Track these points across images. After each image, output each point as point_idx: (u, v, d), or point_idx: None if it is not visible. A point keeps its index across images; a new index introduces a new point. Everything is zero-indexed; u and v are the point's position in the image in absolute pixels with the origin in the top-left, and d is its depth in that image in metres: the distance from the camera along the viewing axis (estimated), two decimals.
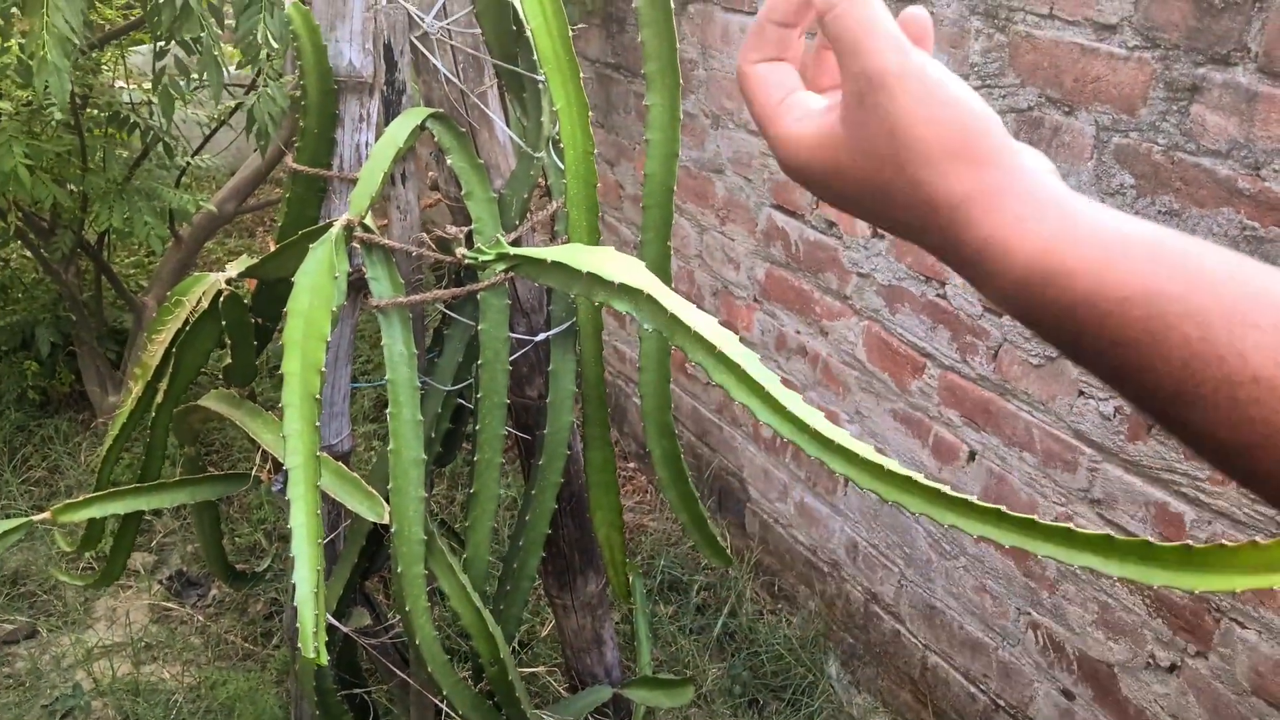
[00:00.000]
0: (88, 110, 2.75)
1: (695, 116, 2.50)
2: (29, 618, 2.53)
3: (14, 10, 1.66)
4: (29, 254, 3.10)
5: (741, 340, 2.32)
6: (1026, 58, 1.67)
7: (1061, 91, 1.63)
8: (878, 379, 2.15)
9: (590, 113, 1.29)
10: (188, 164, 2.84)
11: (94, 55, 2.63)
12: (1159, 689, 1.70)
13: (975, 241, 0.44)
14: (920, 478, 0.97)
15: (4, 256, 3.20)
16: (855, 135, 0.46)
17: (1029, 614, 1.90)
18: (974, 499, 0.92)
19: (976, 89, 1.73)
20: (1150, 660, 1.70)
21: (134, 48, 2.88)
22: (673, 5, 1.25)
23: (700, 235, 2.62)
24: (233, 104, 2.75)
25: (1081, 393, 1.71)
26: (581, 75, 1.26)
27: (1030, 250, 0.43)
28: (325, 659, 1.19)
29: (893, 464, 0.98)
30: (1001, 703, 2.01)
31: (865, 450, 1.01)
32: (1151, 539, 0.82)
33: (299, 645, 1.20)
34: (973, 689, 2.08)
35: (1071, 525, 0.86)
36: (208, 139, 3.04)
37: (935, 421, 2.03)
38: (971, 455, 1.96)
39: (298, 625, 1.23)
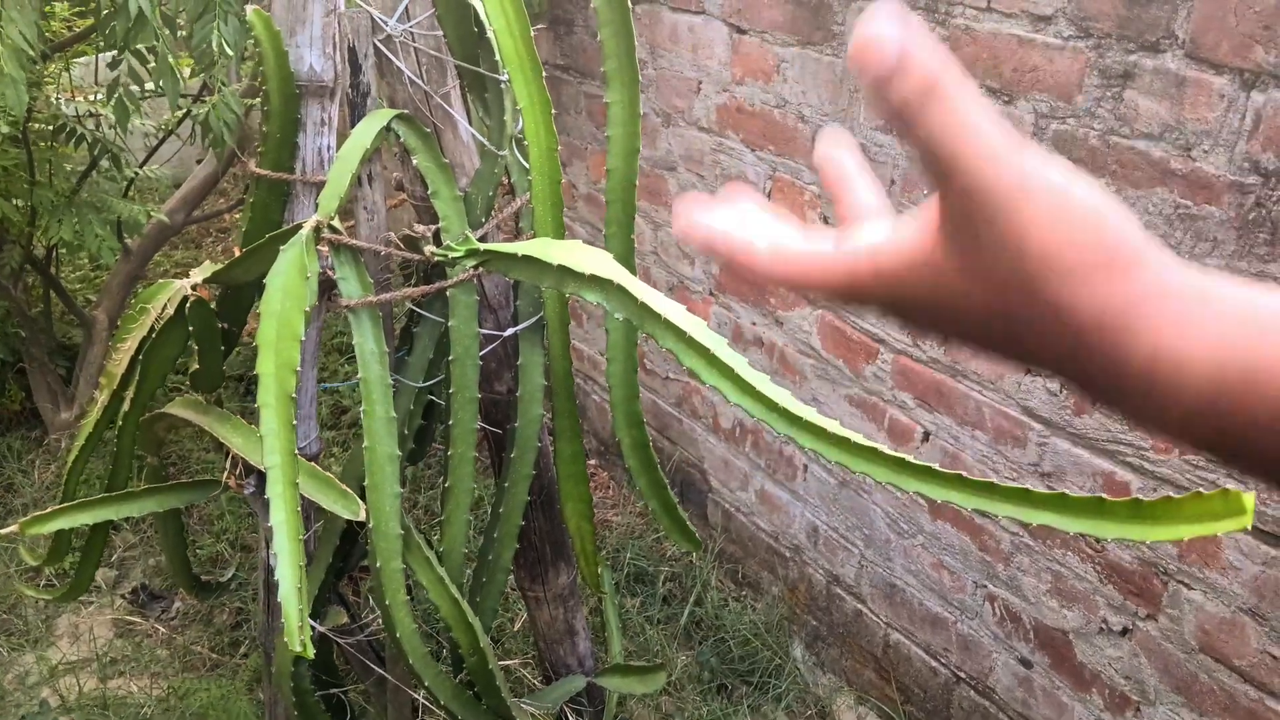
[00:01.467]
0: (31, 123, 2.72)
1: (646, 115, 2.54)
2: None
3: None
4: None
5: None
6: (966, 50, 1.74)
7: (1001, 82, 1.70)
8: (832, 365, 2.21)
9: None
10: (135, 175, 2.82)
11: (38, 68, 2.60)
12: (1112, 652, 1.77)
13: (1141, 357, 0.37)
14: (885, 448, 1.02)
15: None
16: (966, 262, 0.38)
17: (985, 587, 1.97)
18: (936, 466, 0.98)
19: None
20: (1103, 625, 1.77)
21: (75, 59, 2.85)
22: (630, 6, 1.29)
23: (655, 232, 2.66)
24: (180, 114, 2.73)
25: (1028, 370, 1.78)
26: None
27: (1210, 352, 0.36)
28: (312, 652, 1.21)
29: (858, 437, 1.03)
30: (963, 674, 2.08)
31: (832, 425, 1.06)
32: (1104, 496, 0.88)
33: (284, 640, 1.22)
34: (934, 663, 2.14)
35: (1029, 487, 0.92)
36: (155, 149, 3.01)
37: (890, 405, 2.09)
38: (926, 436, 2.02)
39: (283, 622, 1.25)
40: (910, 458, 1.00)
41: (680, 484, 2.81)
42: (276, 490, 1.26)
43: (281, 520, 1.26)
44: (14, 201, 2.58)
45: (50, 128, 2.66)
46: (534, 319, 1.52)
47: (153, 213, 2.61)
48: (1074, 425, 1.73)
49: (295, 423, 1.69)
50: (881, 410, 2.11)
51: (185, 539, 2.04)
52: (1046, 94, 1.63)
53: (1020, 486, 0.93)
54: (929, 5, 1.77)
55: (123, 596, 2.67)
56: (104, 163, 2.73)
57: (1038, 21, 1.62)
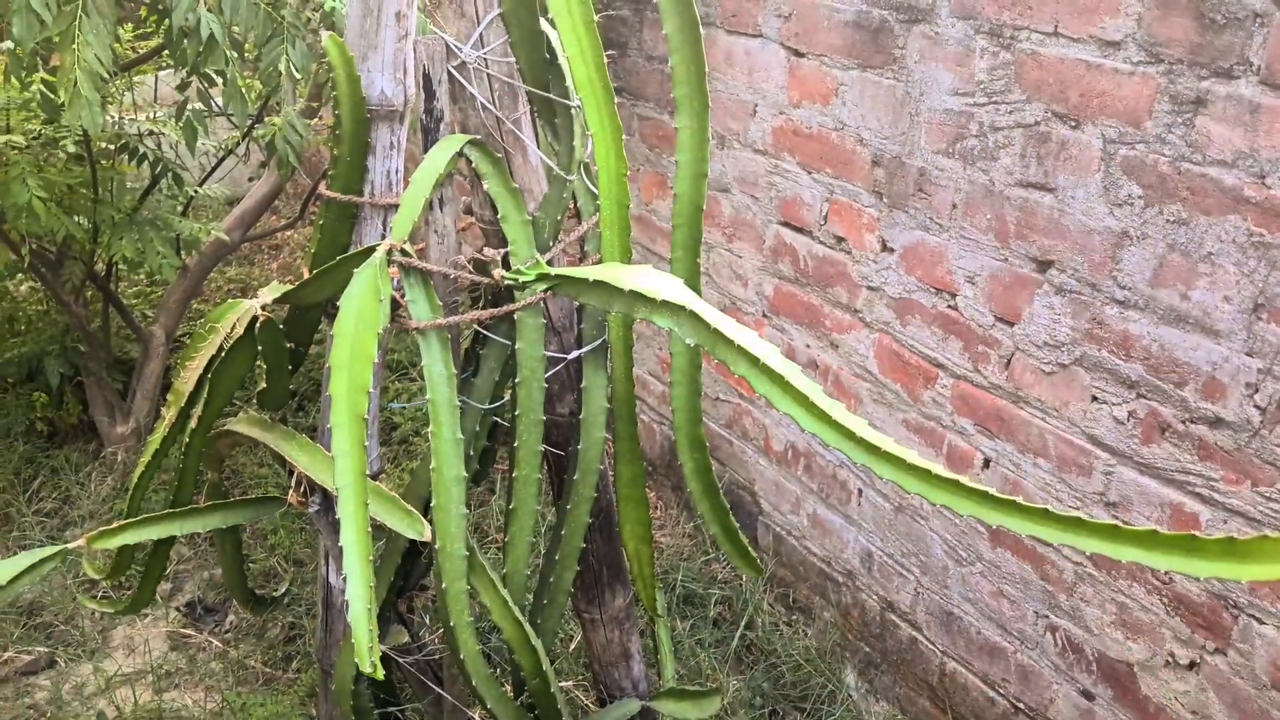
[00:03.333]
0: (95, 142, 2.78)
1: None
2: (47, 648, 2.53)
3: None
4: (35, 285, 3.12)
5: None
6: (1032, 75, 1.72)
7: (1067, 106, 1.68)
8: (889, 390, 2.19)
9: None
10: (195, 193, 2.87)
11: (106, 87, 2.66)
12: (1179, 686, 1.74)
13: None
14: (968, 481, 1.01)
15: (10, 288, 3.20)
16: None
17: (1047, 617, 1.94)
18: (992, 490, 0.97)
19: (983, 105, 1.79)
20: (1169, 659, 1.74)
21: (136, 77, 2.91)
22: (702, 34, 1.29)
23: (707, 253, 2.66)
24: (239, 134, 2.78)
25: (1095, 398, 1.76)
26: None
27: None
28: (381, 674, 1.21)
29: (939, 468, 1.02)
30: (1021, 706, 2.05)
31: (910, 455, 1.05)
32: (1196, 533, 0.86)
33: (346, 657, 1.22)
34: (992, 693, 2.11)
35: (1119, 522, 0.91)
36: (214, 168, 3.07)
37: (949, 430, 2.07)
38: (986, 463, 2.00)
39: (348, 640, 1.26)
40: (994, 491, 0.98)
41: (730, 506, 2.79)
42: (348, 511, 1.27)
43: (353, 541, 1.27)
44: (77, 218, 2.63)
45: (113, 146, 2.71)
46: (598, 342, 1.52)
47: (213, 230, 2.65)
48: (1141, 454, 1.70)
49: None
50: (940, 436, 2.09)
51: (242, 554, 2.06)
52: (1115, 119, 1.62)
53: (1075, 515, 0.92)
54: (994, 30, 1.77)
55: (178, 609, 2.70)
56: (164, 181, 2.78)
57: (1106, 46, 1.60)
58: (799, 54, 2.19)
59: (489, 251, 1.41)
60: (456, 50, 1.33)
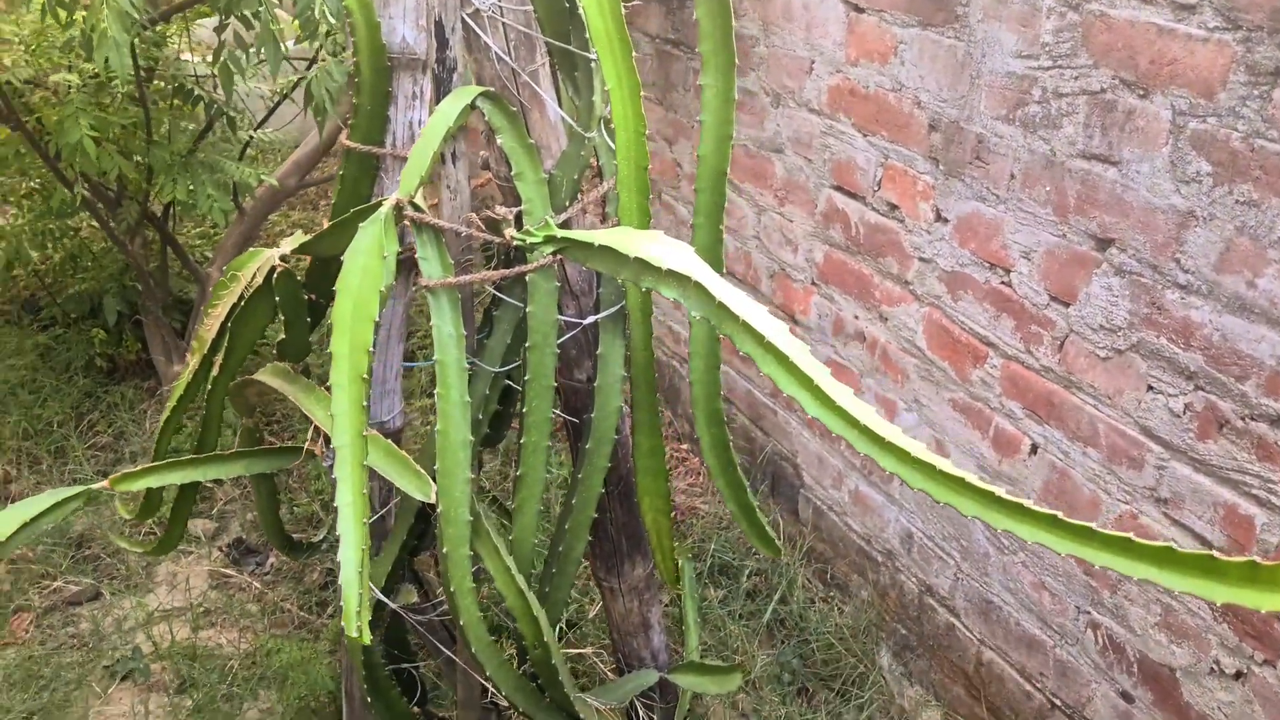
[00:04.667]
0: (153, 83, 2.79)
1: (755, 95, 2.45)
2: (93, 580, 2.59)
3: None
4: (97, 224, 3.16)
5: (798, 324, 2.29)
6: (1100, 38, 1.60)
7: (1136, 74, 1.56)
8: (937, 367, 2.10)
9: (644, 92, 1.27)
10: (251, 138, 2.86)
11: (159, 29, 2.66)
12: (1223, 696, 1.64)
13: None
14: (973, 479, 0.93)
15: (74, 226, 3.26)
16: None
17: (1089, 613, 1.85)
18: (1029, 503, 0.89)
19: (1047, 69, 1.67)
20: (1215, 666, 1.64)
21: (200, 20, 2.91)
22: None
23: (758, 216, 2.58)
24: (294, 79, 2.76)
25: (1151, 388, 1.65)
26: (638, 53, 1.24)
27: None
28: (369, 639, 1.19)
29: (946, 464, 0.95)
30: (1058, 702, 1.96)
31: (918, 449, 0.98)
32: (1216, 553, 0.78)
33: (342, 623, 1.20)
34: (1028, 686, 2.03)
35: (1131, 535, 0.83)
36: (270, 113, 3.06)
37: (996, 413, 1.97)
38: (1033, 448, 1.90)
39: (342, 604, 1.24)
40: (1001, 491, 0.91)
41: (772, 477, 2.74)
42: (344, 472, 1.25)
43: (347, 502, 1.24)
44: (133, 159, 2.65)
45: (170, 88, 2.72)
46: (615, 308, 1.46)
47: (263, 176, 2.65)
48: (1196, 450, 1.59)
49: (373, 400, 1.68)
50: (987, 418, 2.00)
51: (277, 499, 2.07)
52: (1186, 89, 1.49)
53: (1122, 535, 0.84)
54: None
55: (220, 549, 2.74)
56: (222, 123, 2.79)
57: (1180, 10, 1.47)
58: (858, 9, 2.08)
59: (501, 209, 1.36)
60: None
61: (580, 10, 1.24)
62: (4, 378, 3.17)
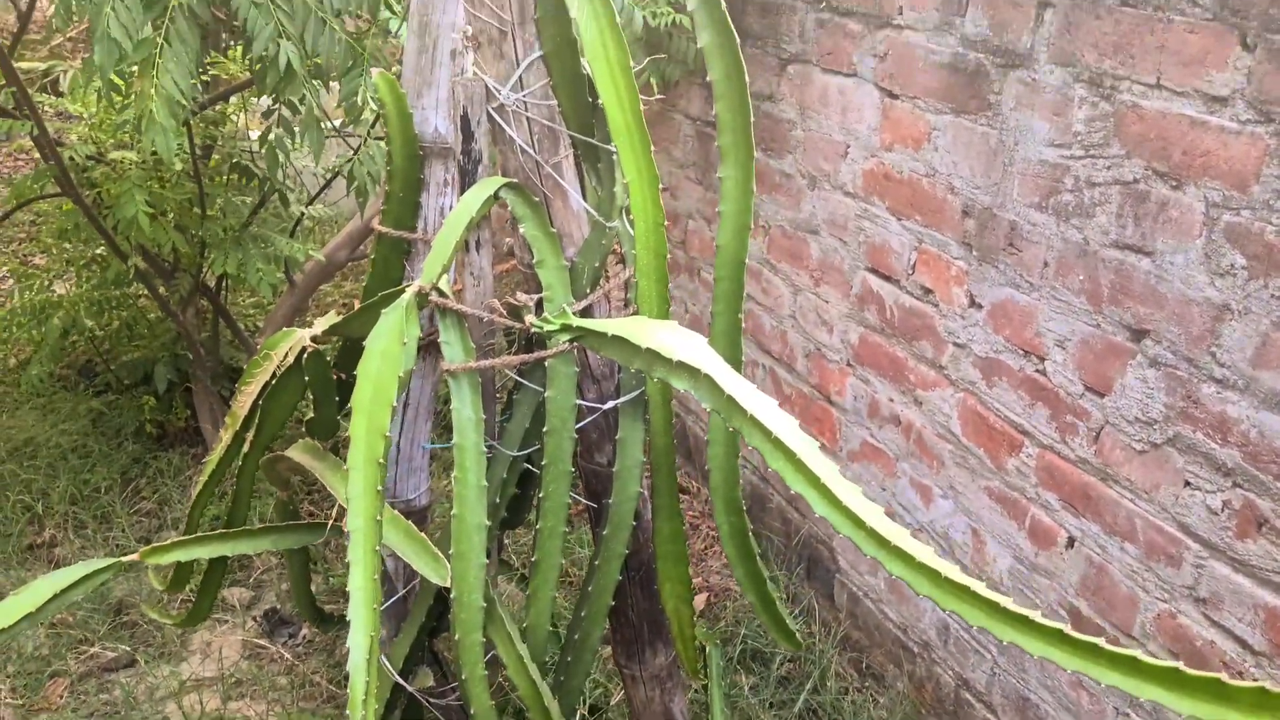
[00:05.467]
0: (211, 159, 2.89)
1: (792, 177, 2.46)
2: (130, 647, 2.62)
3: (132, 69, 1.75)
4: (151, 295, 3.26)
5: (833, 405, 2.27)
6: (1133, 128, 1.59)
7: (1169, 164, 1.54)
8: (973, 454, 2.06)
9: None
10: (302, 213, 2.95)
11: (218, 108, 2.77)
12: None
13: None
14: (980, 587, 0.91)
15: (131, 294, 3.36)
16: None
17: (1127, 715, 1.77)
18: (1035, 616, 0.86)
19: (1080, 158, 1.66)
20: None
21: (257, 98, 3.02)
22: (747, 81, 1.23)
23: (794, 295, 2.58)
24: (346, 157, 2.85)
25: (1188, 483, 1.60)
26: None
27: None
28: None
29: (951, 570, 0.93)
30: None
31: (924, 553, 0.96)
32: (1225, 677, 0.75)
33: (348, 711, 1.20)
34: None
35: (1139, 655, 0.80)
36: (321, 190, 3.15)
37: (1032, 503, 1.93)
38: (1070, 541, 1.85)
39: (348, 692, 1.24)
40: (1007, 602, 0.88)
41: (808, 560, 2.69)
42: (357, 556, 1.25)
43: (359, 587, 1.25)
44: (188, 233, 2.74)
45: (226, 164, 2.81)
46: (635, 393, 1.46)
47: (311, 252, 2.72)
48: (1235, 549, 1.54)
49: (399, 478, 1.69)
50: (1023, 508, 1.95)
51: (309, 572, 2.08)
52: (1219, 181, 1.47)
53: (1129, 653, 0.81)
54: (1094, 79, 1.64)
55: (254, 618, 2.76)
56: (275, 199, 2.87)
57: (1211, 102, 1.46)
58: (893, 95, 2.09)
59: (522, 296, 1.38)
60: (496, 92, 1.30)
61: (602, 106, 1.26)
62: (56, 442, 3.25)
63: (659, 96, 2.79)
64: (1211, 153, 1.48)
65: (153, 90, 1.60)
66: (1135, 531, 1.71)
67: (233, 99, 2.86)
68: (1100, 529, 1.78)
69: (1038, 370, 1.86)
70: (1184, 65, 1.50)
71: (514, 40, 1.25)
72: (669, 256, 1.35)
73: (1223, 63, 1.45)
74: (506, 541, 2.43)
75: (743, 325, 1.39)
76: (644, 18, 2.27)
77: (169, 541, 1.71)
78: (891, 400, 2.28)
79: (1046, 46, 1.71)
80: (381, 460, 1.28)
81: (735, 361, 1.39)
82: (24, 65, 3.21)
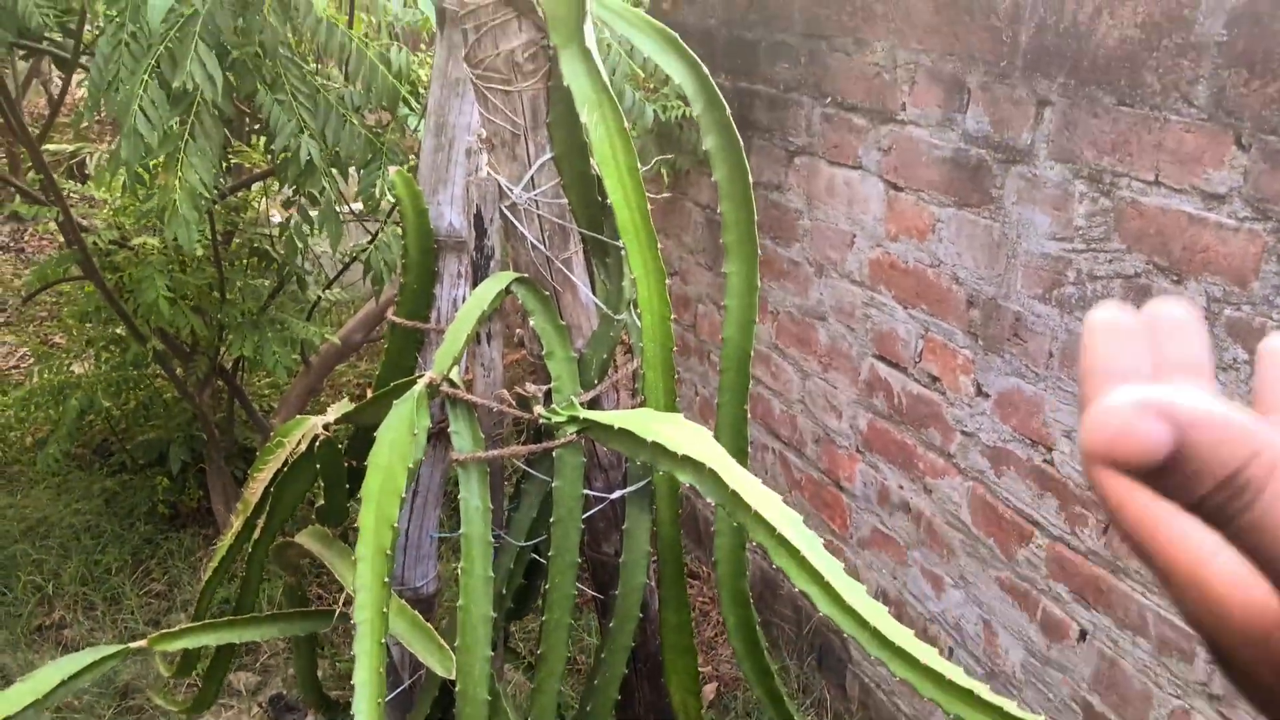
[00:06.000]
0: (233, 243, 2.95)
1: (799, 264, 2.50)
2: None
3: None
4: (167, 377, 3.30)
5: (843, 491, 2.27)
6: (1132, 224, 1.62)
7: (1169, 259, 1.56)
8: (983, 544, 2.05)
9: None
10: (319, 297, 3.00)
11: (240, 195, 2.84)
12: None
13: None
14: (984, 690, 0.91)
15: (148, 375, 3.41)
16: None
17: None
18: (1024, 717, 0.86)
19: (1081, 252, 1.69)
20: None
21: (278, 187, 3.09)
22: (750, 182, 1.26)
23: (803, 380, 2.59)
24: (363, 245, 2.91)
25: None
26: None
27: None
28: None
29: (956, 674, 0.93)
30: None
31: (927, 654, 0.96)
32: None
33: None
34: None
35: None
36: (339, 275, 3.21)
37: (1043, 595, 1.91)
38: (1082, 634, 1.83)
39: None
40: (1010, 706, 0.88)
41: (819, 649, 2.66)
42: (362, 647, 1.26)
43: (364, 681, 1.25)
44: (207, 315, 2.79)
45: (246, 249, 2.87)
46: (642, 483, 1.47)
47: (327, 335, 2.76)
48: None
49: (408, 565, 1.70)
50: (1034, 600, 1.93)
51: (315, 657, 2.08)
52: (1220, 277, 1.49)
53: None
54: (1093, 175, 1.67)
55: (259, 704, 2.73)
56: (293, 283, 2.93)
57: (1209, 199, 1.49)
58: (897, 188, 2.13)
59: (530, 387, 1.40)
60: (508, 191, 1.34)
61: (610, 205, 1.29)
62: (69, 522, 3.27)
63: (668, 190, 2.86)
64: (1211, 249, 1.50)
65: (176, 183, 1.65)
66: (1147, 625, 1.69)
67: (254, 185, 2.93)
68: (1112, 622, 1.76)
69: (1045, 460, 1.86)
70: (1181, 163, 1.53)
71: (526, 142, 1.29)
72: (679, 339, 1.38)
73: (1219, 161, 1.48)
74: (514, 628, 2.41)
75: (750, 411, 1.41)
76: (655, 111, 2.33)
77: (177, 629, 1.72)
78: (901, 487, 2.28)
79: (1046, 143, 1.75)
80: (389, 551, 1.29)
81: (741, 453, 1.40)
82: (51, 147, 3.31)
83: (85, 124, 2.11)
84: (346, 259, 3.16)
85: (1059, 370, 1.80)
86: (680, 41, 1.21)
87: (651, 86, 2.46)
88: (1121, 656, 1.75)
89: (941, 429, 2.12)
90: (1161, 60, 1.53)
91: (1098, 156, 1.66)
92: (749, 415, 1.43)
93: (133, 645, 1.71)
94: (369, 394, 1.62)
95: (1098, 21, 1.62)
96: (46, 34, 2.23)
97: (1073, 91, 1.69)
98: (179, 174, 1.66)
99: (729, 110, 1.20)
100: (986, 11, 1.83)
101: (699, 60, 1.19)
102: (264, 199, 2.94)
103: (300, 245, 2.08)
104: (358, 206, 2.70)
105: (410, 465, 1.31)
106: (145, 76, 1.58)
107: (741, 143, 1.23)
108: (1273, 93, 1.39)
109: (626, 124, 1.18)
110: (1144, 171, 1.59)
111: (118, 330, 3.18)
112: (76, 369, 3.31)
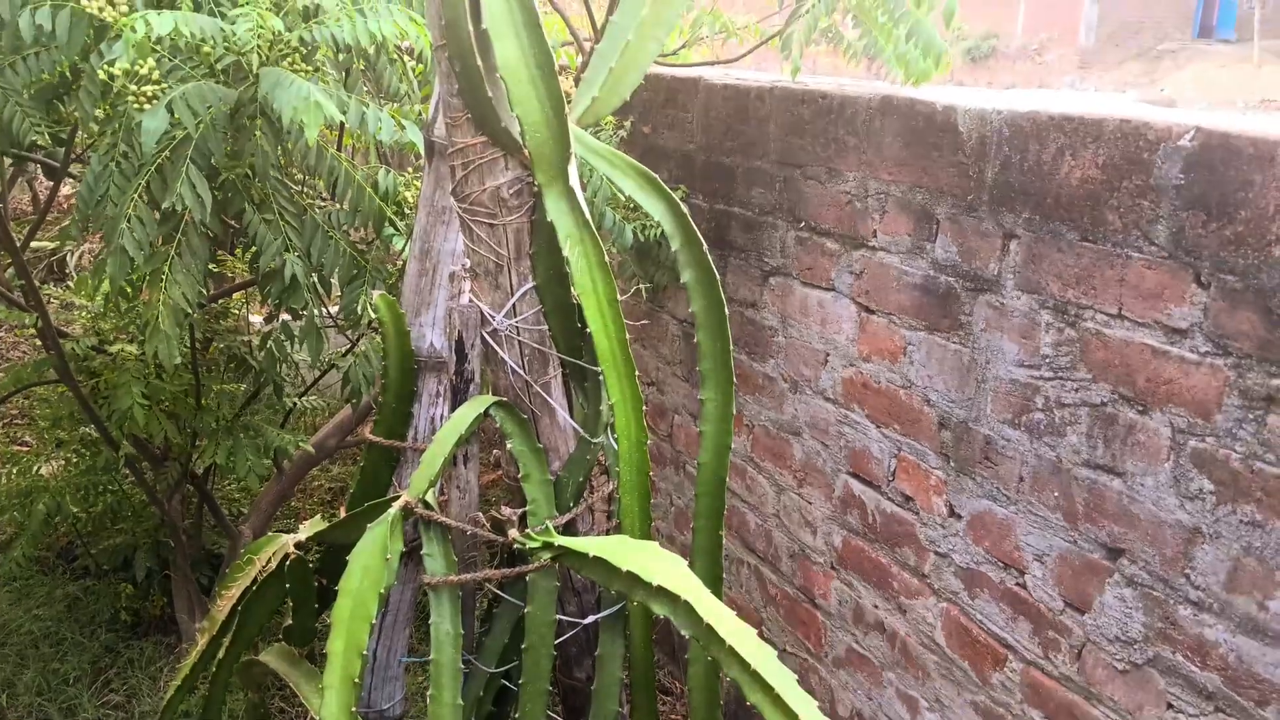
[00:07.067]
0: (211, 349, 2.96)
1: (774, 380, 2.53)
2: None
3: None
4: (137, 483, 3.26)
5: (818, 608, 2.26)
6: (1097, 354, 1.66)
7: (1134, 390, 1.60)
8: (958, 667, 2.04)
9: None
10: (294, 404, 3.00)
11: (220, 302, 2.85)
12: None
13: None
14: None
15: (118, 480, 3.37)
16: None
17: None
18: None
19: (1049, 379, 1.73)
20: None
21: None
22: (727, 311, 1.30)
23: (778, 495, 2.60)
24: (342, 351, 2.92)
25: (1170, 705, 1.59)
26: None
27: None
28: None
29: None
30: None
31: None
32: None
33: None
34: None
35: None
36: (315, 382, 3.21)
37: None
38: None
39: None
40: None
41: None
42: None
43: None
44: (181, 421, 2.77)
45: (224, 356, 2.88)
46: (616, 608, 1.47)
47: (300, 443, 2.75)
48: None
49: (374, 686, 1.67)
50: None
51: None
52: (1184, 408, 1.53)
53: None
54: (1058, 306, 1.72)
55: None
56: (269, 390, 2.92)
57: (1171, 334, 1.54)
58: (869, 310, 2.18)
59: (506, 510, 1.40)
60: (490, 318, 1.36)
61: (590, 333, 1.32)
62: (28, 628, 3.18)
63: (647, 303, 2.90)
64: (1174, 381, 1.54)
65: (160, 300, 1.67)
66: None
67: (235, 294, 2.96)
68: None
69: (1018, 584, 1.87)
70: (1144, 298, 1.58)
71: (509, 272, 1.33)
72: (655, 450, 1.39)
73: (1180, 298, 1.53)
74: None
75: (725, 531, 1.41)
76: (634, 231, 2.38)
77: None
78: (876, 606, 2.27)
79: (1013, 274, 1.80)
80: (357, 680, 1.27)
81: (716, 580, 1.41)
82: (33, 244, 3.33)
83: (73, 233, 2.13)
84: (324, 365, 3.17)
85: (1030, 494, 1.82)
86: (659, 181, 1.25)
87: (631, 206, 2.52)
88: None
89: (915, 549, 2.13)
90: (1122, 200, 1.60)
91: (1063, 289, 1.72)
92: (724, 530, 1.44)
93: None
94: (342, 511, 1.62)
95: (1060, 161, 1.69)
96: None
97: (1037, 226, 1.75)
98: (163, 291, 1.68)
99: (705, 246, 1.24)
100: (954, 148, 1.90)
101: (677, 200, 1.24)
102: (245, 305, 2.96)
103: (279, 356, 2.09)
104: (336, 310, 2.73)
105: (381, 591, 1.31)
106: (135, 195, 1.62)
107: (718, 277, 1.27)
108: (1229, 235, 1.45)
109: (605, 253, 1.21)
110: (1108, 304, 1.64)
111: (89, 432, 3.15)
112: (44, 470, 3.27)
